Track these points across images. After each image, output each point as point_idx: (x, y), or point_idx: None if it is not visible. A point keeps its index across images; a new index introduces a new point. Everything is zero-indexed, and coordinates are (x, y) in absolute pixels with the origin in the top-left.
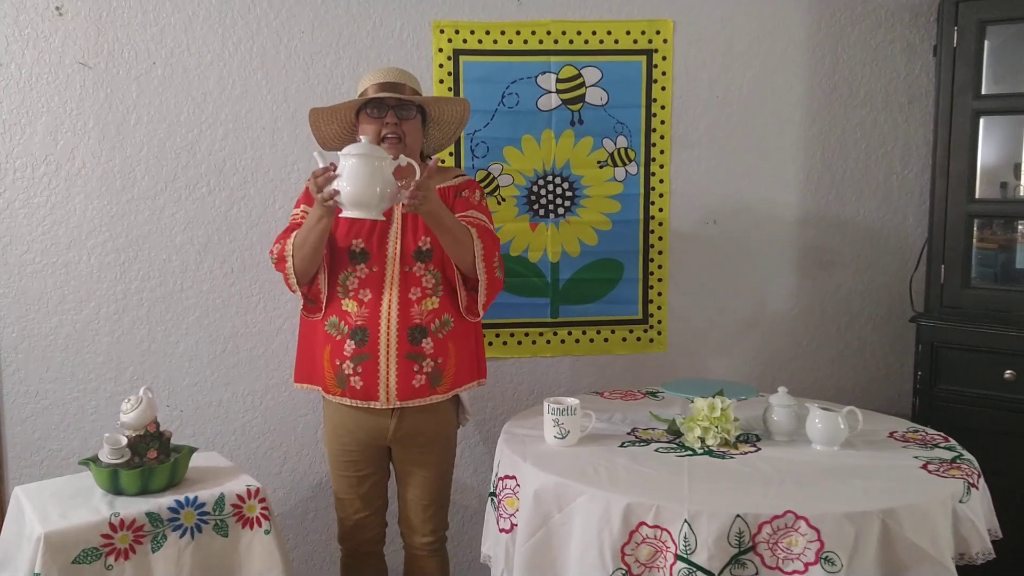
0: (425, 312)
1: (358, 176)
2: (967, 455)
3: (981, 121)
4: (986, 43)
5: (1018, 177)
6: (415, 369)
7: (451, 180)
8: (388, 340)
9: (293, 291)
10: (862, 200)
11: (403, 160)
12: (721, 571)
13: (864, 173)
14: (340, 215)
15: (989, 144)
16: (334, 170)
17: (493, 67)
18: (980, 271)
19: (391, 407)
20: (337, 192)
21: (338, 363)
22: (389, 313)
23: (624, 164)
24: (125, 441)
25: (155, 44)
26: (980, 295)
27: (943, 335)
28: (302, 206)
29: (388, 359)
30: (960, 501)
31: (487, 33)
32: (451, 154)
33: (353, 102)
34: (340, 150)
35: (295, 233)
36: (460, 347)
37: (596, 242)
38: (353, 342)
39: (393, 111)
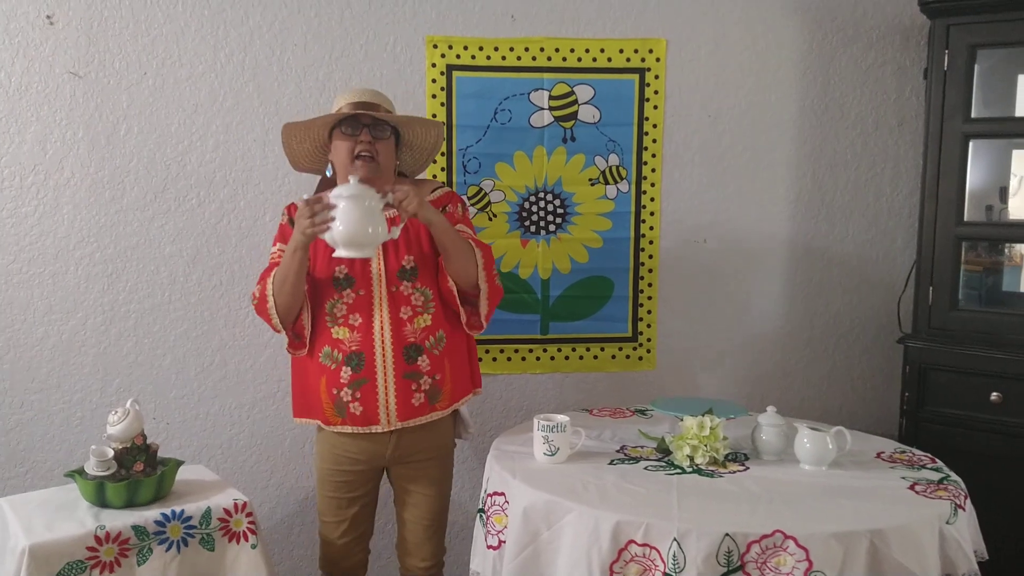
0: (418, 330)
1: (351, 217)
2: (954, 476)
3: (970, 144)
4: (976, 67)
5: (1004, 200)
6: (413, 388)
7: (432, 194)
8: (384, 362)
9: (278, 331)
10: (851, 221)
11: (389, 197)
12: None
13: (854, 194)
14: (334, 255)
15: (976, 167)
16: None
17: (486, 83)
18: (966, 293)
19: (391, 429)
20: (329, 224)
21: (335, 392)
22: (383, 335)
23: (616, 182)
24: (112, 453)
25: (146, 54)
26: (967, 317)
27: (931, 356)
28: (278, 244)
29: (386, 381)
30: (947, 522)
31: (480, 49)
32: (443, 169)
33: (328, 117)
34: (310, 171)
35: (274, 272)
36: (455, 362)
37: (586, 259)
38: (349, 368)
39: (368, 130)
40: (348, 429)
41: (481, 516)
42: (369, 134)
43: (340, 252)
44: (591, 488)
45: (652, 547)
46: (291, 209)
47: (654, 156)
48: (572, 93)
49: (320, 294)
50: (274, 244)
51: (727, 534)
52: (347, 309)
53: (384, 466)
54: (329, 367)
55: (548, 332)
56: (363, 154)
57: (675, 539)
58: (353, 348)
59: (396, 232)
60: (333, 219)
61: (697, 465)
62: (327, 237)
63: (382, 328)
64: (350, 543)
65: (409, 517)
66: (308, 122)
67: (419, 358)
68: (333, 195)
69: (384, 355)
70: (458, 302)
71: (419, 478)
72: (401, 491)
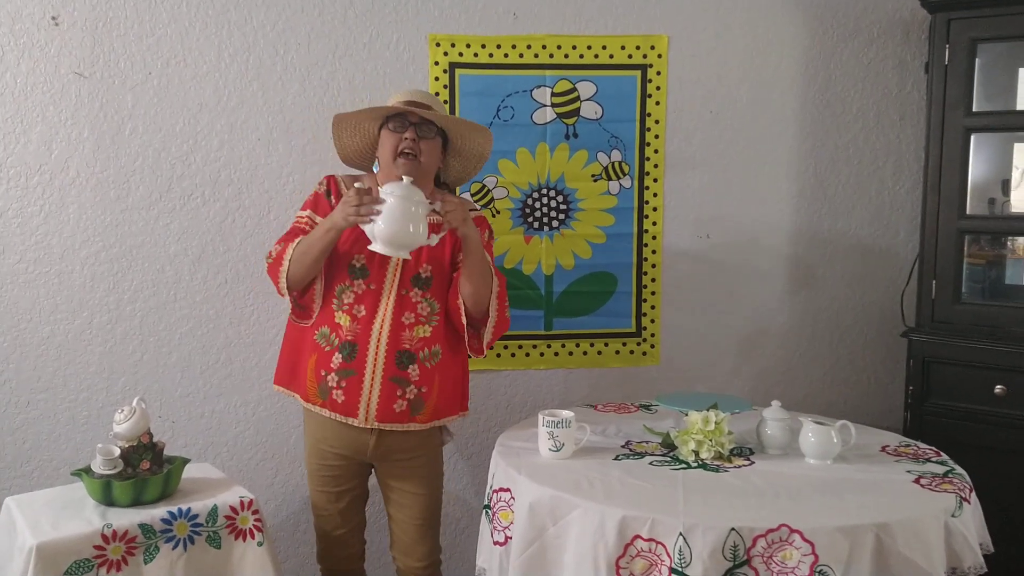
0: (416, 339)
1: (395, 215)
2: (959, 469)
3: (972, 138)
4: (977, 61)
5: (1006, 193)
6: (398, 393)
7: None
8: (375, 360)
9: (281, 295)
10: (854, 215)
11: (437, 205)
12: None
13: (856, 189)
14: (369, 247)
15: (978, 161)
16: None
17: (489, 80)
18: (969, 286)
19: (370, 426)
20: (372, 218)
21: (323, 374)
22: (380, 333)
23: (618, 178)
24: (118, 452)
25: (151, 54)
26: (971, 310)
27: (934, 350)
28: (309, 211)
29: (373, 379)
30: (952, 515)
31: (483, 47)
32: None
33: (376, 109)
34: (358, 167)
35: (299, 239)
36: (446, 379)
37: (590, 255)
38: (341, 356)
39: (414, 128)
40: (326, 413)
41: (486, 512)
42: (415, 132)
43: (377, 247)
44: (596, 483)
45: (658, 542)
46: (330, 181)
47: (656, 152)
48: (574, 90)
49: (334, 275)
50: (303, 209)
51: (733, 528)
52: (354, 298)
53: (368, 462)
54: (323, 347)
55: (552, 328)
56: (406, 151)
57: (681, 534)
58: (349, 337)
59: (435, 240)
60: (378, 213)
61: (702, 460)
62: (367, 228)
63: (381, 326)
64: (345, 535)
65: (401, 517)
66: (356, 113)
67: (410, 366)
68: (383, 191)
69: (377, 353)
70: (463, 321)
71: (407, 477)
72: (387, 488)
